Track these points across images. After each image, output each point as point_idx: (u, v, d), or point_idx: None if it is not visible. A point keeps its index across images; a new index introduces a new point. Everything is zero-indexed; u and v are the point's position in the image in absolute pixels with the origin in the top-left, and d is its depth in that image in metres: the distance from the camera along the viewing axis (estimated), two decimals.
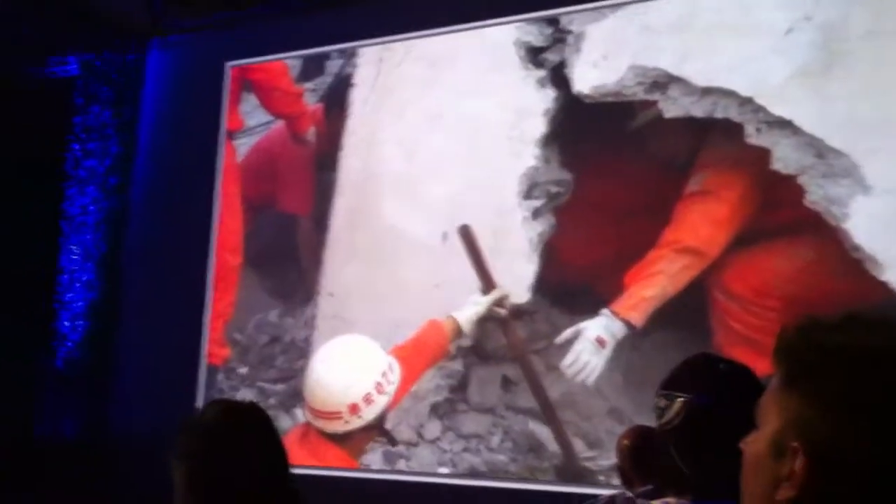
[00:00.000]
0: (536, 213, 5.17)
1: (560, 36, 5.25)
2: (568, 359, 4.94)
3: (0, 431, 6.33)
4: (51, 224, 6.79)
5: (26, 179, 6.94)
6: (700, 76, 4.85)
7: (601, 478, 4.69)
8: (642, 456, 3.03)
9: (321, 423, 5.50)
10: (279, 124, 6.22)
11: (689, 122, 4.86)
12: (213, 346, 6.08)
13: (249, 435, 1.71)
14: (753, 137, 4.68)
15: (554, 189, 5.16)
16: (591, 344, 4.90)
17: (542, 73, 5.28)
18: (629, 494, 3.00)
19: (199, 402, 5.82)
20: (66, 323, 6.58)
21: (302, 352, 5.74)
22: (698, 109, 4.83)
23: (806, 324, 0.97)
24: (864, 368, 0.91)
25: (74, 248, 6.68)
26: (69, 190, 6.81)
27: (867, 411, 0.90)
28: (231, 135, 6.33)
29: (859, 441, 0.89)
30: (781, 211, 4.63)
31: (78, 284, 6.60)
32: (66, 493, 6.19)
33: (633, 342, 4.82)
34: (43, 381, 6.62)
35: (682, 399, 1.66)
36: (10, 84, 6.96)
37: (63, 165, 6.85)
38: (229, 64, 6.43)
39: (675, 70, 4.91)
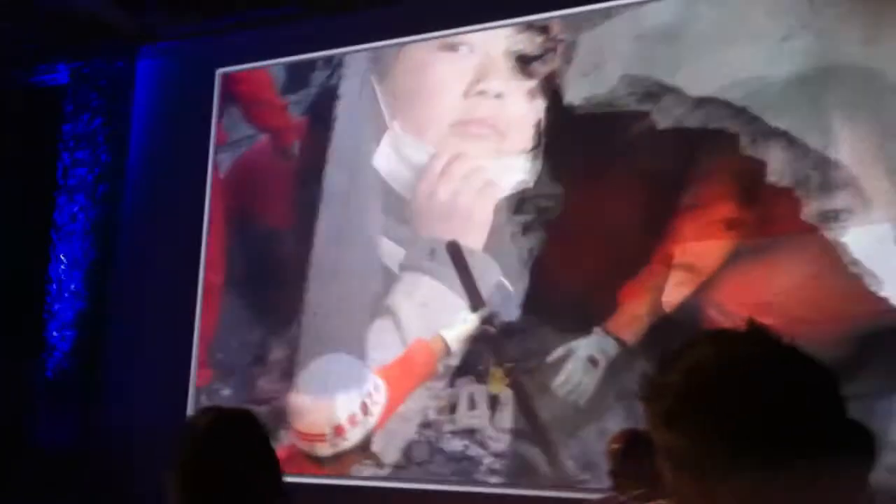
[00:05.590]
0: (526, 229, 5.04)
1: (551, 45, 5.12)
2: (559, 378, 4.82)
3: None
4: (40, 233, 6.73)
5: (15, 188, 6.89)
6: (693, 86, 4.73)
7: None
8: (633, 459, 3.04)
9: (306, 446, 5.39)
10: (262, 138, 6.09)
11: (682, 134, 4.73)
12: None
13: (242, 441, 1.67)
14: (748, 149, 4.56)
15: (544, 203, 5.04)
16: (582, 363, 4.78)
17: (532, 83, 5.15)
18: (622, 498, 2.94)
19: (189, 412, 5.73)
20: (55, 333, 6.50)
21: (285, 372, 5.62)
22: (692, 120, 4.71)
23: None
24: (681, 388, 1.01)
25: (63, 257, 6.60)
26: (59, 199, 6.74)
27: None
28: (214, 149, 6.21)
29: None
30: (777, 225, 4.50)
31: (66, 294, 6.53)
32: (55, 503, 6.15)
33: (626, 361, 4.70)
34: (33, 392, 6.56)
35: None
36: None
37: (52, 174, 6.78)
38: (220, 71, 6.33)
39: (667, 80, 4.79)
